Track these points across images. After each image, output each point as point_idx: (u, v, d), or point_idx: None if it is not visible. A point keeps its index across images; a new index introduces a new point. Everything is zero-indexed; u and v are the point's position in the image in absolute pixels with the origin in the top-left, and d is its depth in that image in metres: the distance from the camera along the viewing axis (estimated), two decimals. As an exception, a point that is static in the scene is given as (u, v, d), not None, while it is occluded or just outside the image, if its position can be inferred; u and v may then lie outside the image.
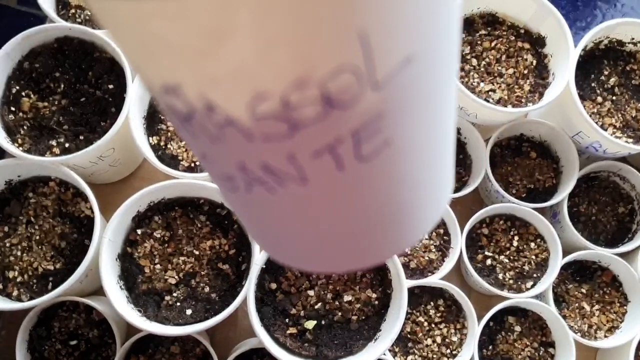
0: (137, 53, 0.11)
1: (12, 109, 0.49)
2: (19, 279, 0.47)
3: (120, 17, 0.10)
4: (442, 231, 0.55)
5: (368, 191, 0.14)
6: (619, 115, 0.54)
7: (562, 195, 0.55)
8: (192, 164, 0.51)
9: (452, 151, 0.16)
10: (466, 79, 0.54)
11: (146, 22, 0.10)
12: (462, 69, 0.54)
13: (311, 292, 0.49)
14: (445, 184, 0.17)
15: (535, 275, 0.54)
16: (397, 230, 0.17)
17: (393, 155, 0.13)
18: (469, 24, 0.56)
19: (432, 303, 0.53)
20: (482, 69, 0.55)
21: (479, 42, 0.56)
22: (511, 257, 0.55)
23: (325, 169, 0.12)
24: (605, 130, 0.53)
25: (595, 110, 0.55)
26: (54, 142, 0.49)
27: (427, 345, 0.52)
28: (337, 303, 0.49)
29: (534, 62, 0.55)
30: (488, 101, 0.53)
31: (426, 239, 0.54)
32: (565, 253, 0.54)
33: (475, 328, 0.51)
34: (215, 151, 0.13)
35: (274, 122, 0.11)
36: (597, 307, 0.56)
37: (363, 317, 0.49)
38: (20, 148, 0.48)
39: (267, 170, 0.12)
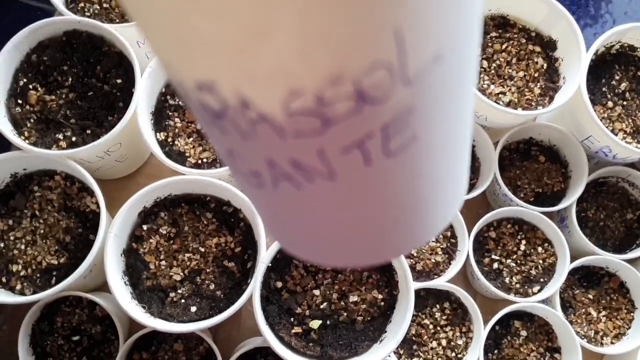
0: (172, 49, 0.11)
1: (19, 101, 0.49)
2: (22, 273, 0.47)
3: (157, 12, 0.10)
4: (449, 234, 0.55)
5: (393, 186, 0.14)
6: (630, 120, 0.54)
7: (570, 200, 0.54)
8: (199, 161, 0.51)
9: (469, 150, 0.16)
10: (476, 81, 0.54)
11: (186, 17, 0.10)
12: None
13: (317, 292, 0.48)
14: (462, 182, 0.17)
15: (542, 279, 0.54)
16: (416, 226, 0.17)
17: (419, 150, 0.13)
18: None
19: (437, 306, 0.53)
20: (493, 72, 0.54)
21: (489, 45, 0.55)
22: (518, 261, 0.55)
23: (353, 164, 0.12)
24: (616, 135, 0.53)
25: (605, 115, 0.55)
26: (60, 136, 0.49)
27: (432, 348, 0.52)
28: (342, 303, 0.48)
29: (545, 66, 0.55)
30: (498, 104, 0.52)
31: (433, 242, 0.54)
32: (572, 258, 0.53)
33: (481, 331, 0.50)
34: (245, 147, 0.13)
35: (307, 118, 0.11)
36: (603, 313, 0.55)
37: (369, 318, 0.48)
38: (27, 141, 0.47)
39: (296, 165, 0.12)
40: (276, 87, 0.11)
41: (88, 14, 0.54)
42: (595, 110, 0.53)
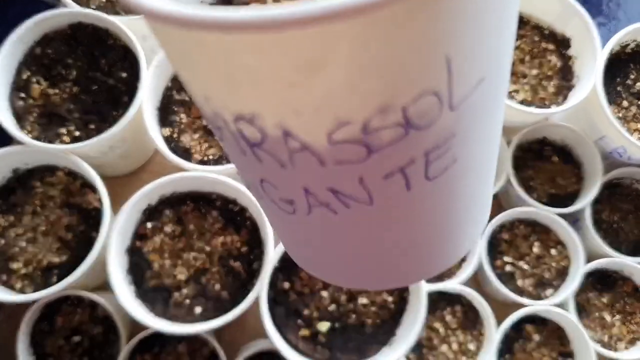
0: (213, 85, 0.11)
1: (22, 95, 0.48)
2: (23, 271, 0.45)
3: (203, 51, 0.10)
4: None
5: (429, 208, 0.14)
6: (645, 120, 0.53)
7: (584, 201, 0.53)
8: (205, 157, 0.50)
9: (495, 169, 0.16)
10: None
11: (236, 54, 0.10)
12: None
13: (325, 294, 0.47)
14: (489, 201, 0.17)
15: (555, 282, 0.53)
16: (446, 248, 0.16)
17: (457, 172, 0.13)
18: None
19: (448, 309, 0.51)
20: (506, 69, 0.53)
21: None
22: (531, 264, 0.53)
23: (394, 190, 0.12)
24: (631, 135, 0.52)
25: (620, 115, 0.54)
26: (63, 130, 0.47)
27: (442, 352, 0.50)
28: (351, 305, 0.47)
29: (559, 64, 0.54)
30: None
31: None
32: (586, 261, 0.52)
33: (493, 335, 0.49)
34: (281, 176, 0.12)
35: (352, 147, 0.11)
36: (617, 317, 0.54)
37: (378, 321, 0.47)
38: (29, 135, 0.46)
39: (334, 192, 0.12)
40: (323, 119, 0.10)
41: (93, 6, 0.53)
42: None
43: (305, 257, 0.17)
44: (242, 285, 0.47)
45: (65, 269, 0.45)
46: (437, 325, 0.51)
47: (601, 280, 0.55)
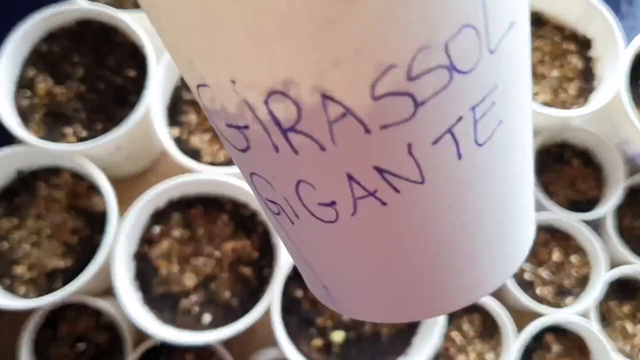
0: (241, 53, 0.10)
1: (27, 93, 0.46)
2: (27, 276, 0.44)
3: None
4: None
5: (484, 187, 0.12)
6: (669, 124, 0.51)
7: (606, 207, 0.51)
8: (215, 159, 0.48)
9: (533, 176, 0.15)
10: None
11: None
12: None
13: (339, 301, 0.45)
14: (533, 202, 0.15)
15: (575, 291, 0.51)
16: (506, 247, 0.14)
17: (504, 137, 0.12)
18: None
19: (466, 317, 0.50)
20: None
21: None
22: (551, 271, 0.52)
23: (445, 159, 0.11)
24: (655, 139, 0.50)
25: (642, 118, 0.52)
26: (69, 130, 0.46)
27: (459, 363, 0.48)
28: (366, 314, 0.45)
29: (580, 66, 0.52)
30: (532, 104, 0.49)
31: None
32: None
33: (511, 345, 0.47)
34: (322, 165, 0.11)
35: (397, 100, 0.10)
36: (639, 327, 0.52)
37: (394, 330, 0.45)
38: (35, 135, 0.45)
39: (381, 172, 0.11)
40: (365, 65, 0.10)
41: (102, 2, 0.51)
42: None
43: (340, 286, 0.15)
44: (252, 293, 0.45)
45: (71, 274, 0.44)
46: (454, 334, 0.49)
47: (623, 289, 0.53)
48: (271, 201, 0.13)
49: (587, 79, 0.52)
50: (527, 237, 0.15)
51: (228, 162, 0.48)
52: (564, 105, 0.51)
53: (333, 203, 0.12)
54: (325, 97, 0.10)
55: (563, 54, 0.53)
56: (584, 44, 0.53)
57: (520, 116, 0.12)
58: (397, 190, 0.11)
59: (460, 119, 0.11)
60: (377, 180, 0.11)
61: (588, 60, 0.53)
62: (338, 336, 0.44)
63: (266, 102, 0.10)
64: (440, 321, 0.43)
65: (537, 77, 0.52)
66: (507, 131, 0.12)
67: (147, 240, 0.46)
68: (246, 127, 0.11)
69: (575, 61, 0.52)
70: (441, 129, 0.11)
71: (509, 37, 0.11)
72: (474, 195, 0.12)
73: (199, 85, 0.11)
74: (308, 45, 0.09)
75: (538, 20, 0.54)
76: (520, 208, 0.14)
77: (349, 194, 0.11)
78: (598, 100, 0.49)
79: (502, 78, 0.11)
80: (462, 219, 0.12)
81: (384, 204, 0.12)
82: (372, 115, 0.10)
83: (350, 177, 0.11)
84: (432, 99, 0.10)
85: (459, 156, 0.11)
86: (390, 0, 0.09)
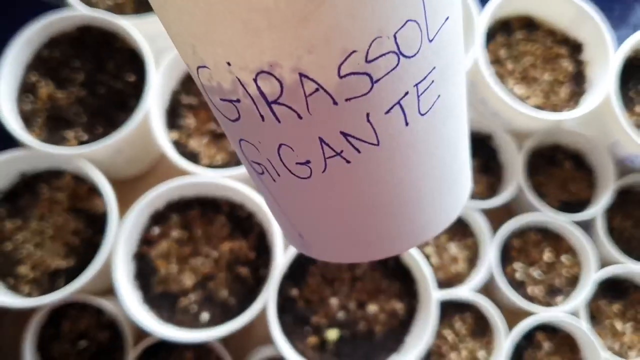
0: (235, 39, 0.12)
1: (29, 98, 0.47)
2: (30, 276, 0.45)
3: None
4: (470, 242, 0.53)
5: (425, 149, 0.15)
6: (659, 127, 0.52)
7: (596, 208, 0.52)
8: (213, 162, 0.49)
9: (468, 145, 0.18)
10: (502, 84, 0.52)
11: None
12: (498, 73, 0.52)
13: (334, 301, 0.46)
14: (469, 167, 0.18)
15: (566, 290, 0.52)
16: (443, 201, 0.17)
17: (442, 109, 0.15)
18: (506, 27, 0.54)
19: (457, 316, 0.51)
20: (518, 74, 0.53)
21: (514, 46, 0.53)
22: (542, 271, 0.53)
23: (395, 126, 0.14)
24: (644, 142, 0.51)
25: (632, 121, 0.53)
26: (70, 134, 0.47)
27: (451, 360, 0.50)
28: (360, 313, 0.46)
29: (571, 69, 0.53)
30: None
31: (454, 250, 0.52)
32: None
33: (503, 343, 0.49)
34: (299, 130, 0.13)
35: (358, 78, 0.12)
36: (629, 325, 0.53)
37: (387, 328, 0.46)
38: (37, 139, 0.46)
39: (346, 136, 0.14)
40: (333, 51, 0.12)
41: (101, 8, 0.52)
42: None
43: (312, 233, 0.18)
44: (249, 292, 0.46)
45: (72, 274, 0.45)
46: (446, 332, 0.50)
47: (612, 288, 0.55)
48: (256, 162, 0.15)
49: (578, 82, 0.53)
50: (463, 193, 0.18)
51: (225, 165, 0.49)
52: (555, 108, 0.52)
53: (308, 162, 0.14)
54: (302, 76, 0.12)
55: (555, 58, 0.54)
56: (575, 48, 0.54)
57: (456, 92, 0.15)
58: (358, 151, 0.14)
59: (407, 93, 0.13)
60: (343, 143, 0.14)
61: (579, 64, 0.54)
62: (332, 334, 0.45)
63: (255, 80, 0.12)
64: (433, 319, 0.45)
65: (529, 80, 0.53)
66: (444, 104, 0.15)
67: (146, 240, 0.47)
68: (238, 100, 0.13)
69: (567, 65, 0.53)
70: (392, 101, 0.13)
71: (445, 29, 0.13)
72: (418, 156, 0.15)
73: (199, 67, 0.13)
74: (289, 35, 0.12)
75: (530, 25, 0.55)
76: (457, 169, 0.17)
77: (320, 154, 0.14)
78: (589, 103, 0.50)
79: (439, 61, 0.14)
80: (409, 175, 0.15)
81: (348, 162, 0.14)
82: (338, 90, 0.13)
83: (321, 140, 0.14)
84: (385, 77, 0.13)
85: (406, 123, 0.14)
86: (352, 1, 0.11)
